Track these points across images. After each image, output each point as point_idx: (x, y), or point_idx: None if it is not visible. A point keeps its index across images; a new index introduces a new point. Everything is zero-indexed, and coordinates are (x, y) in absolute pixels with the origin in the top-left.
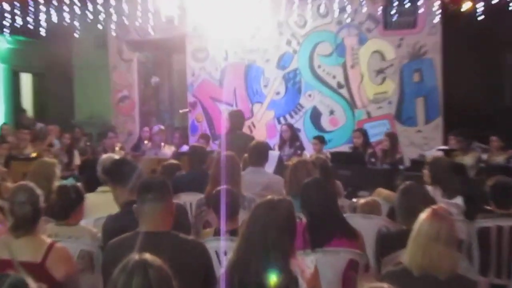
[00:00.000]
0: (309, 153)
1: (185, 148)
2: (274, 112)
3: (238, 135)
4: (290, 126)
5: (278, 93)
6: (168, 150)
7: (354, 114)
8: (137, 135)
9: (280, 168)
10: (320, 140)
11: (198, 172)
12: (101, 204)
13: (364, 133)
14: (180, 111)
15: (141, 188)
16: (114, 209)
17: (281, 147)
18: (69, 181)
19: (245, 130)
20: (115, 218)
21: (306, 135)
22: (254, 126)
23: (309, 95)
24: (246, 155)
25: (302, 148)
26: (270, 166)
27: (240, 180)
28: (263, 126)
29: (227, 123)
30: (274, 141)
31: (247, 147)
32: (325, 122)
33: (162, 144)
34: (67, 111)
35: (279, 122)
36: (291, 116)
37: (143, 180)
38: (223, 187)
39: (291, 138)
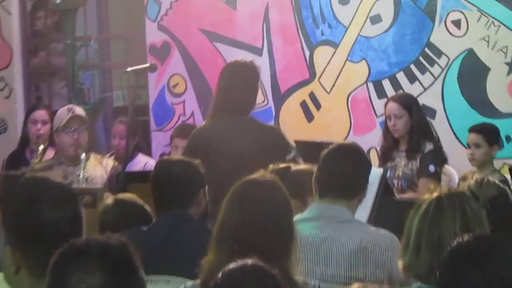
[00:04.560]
0: (456, 170)
1: (140, 160)
2: (367, 67)
3: (245, 124)
4: (408, 103)
5: (376, 20)
6: (99, 168)
7: None
8: (19, 128)
9: (387, 206)
10: (487, 137)
11: (180, 223)
12: None
13: None
14: (129, 69)
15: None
16: None
17: (387, 156)
18: None
19: (296, 114)
20: None
21: (451, 124)
22: (316, 102)
23: (456, 23)
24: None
25: (440, 157)
26: (363, 204)
27: (291, 242)
28: (339, 101)
29: (219, 95)
30: (369, 140)
31: (280, 153)
32: (496, 90)
33: (82, 153)
34: None
35: (381, 93)
36: (411, 78)
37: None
38: (245, 262)
39: (413, 133)
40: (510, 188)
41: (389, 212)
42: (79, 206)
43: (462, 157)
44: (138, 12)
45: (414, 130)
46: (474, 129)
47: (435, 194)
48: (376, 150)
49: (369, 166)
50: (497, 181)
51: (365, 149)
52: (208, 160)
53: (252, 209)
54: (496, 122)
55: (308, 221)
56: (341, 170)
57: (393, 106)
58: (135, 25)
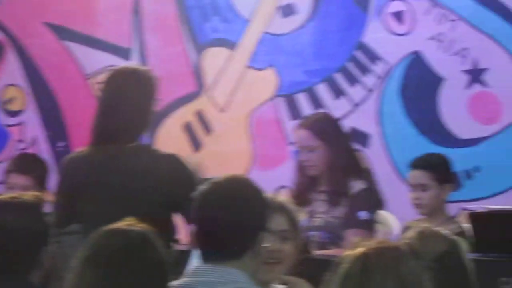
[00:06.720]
0: (398, 217)
1: None
2: (276, 76)
3: (133, 153)
4: (324, 129)
5: (289, 11)
6: None
7: None
8: None
9: (301, 266)
10: (436, 174)
11: None
12: None
13: None
14: None
15: None
16: None
17: (302, 199)
18: None
19: (177, 140)
20: None
21: (391, 155)
22: (205, 124)
23: (398, 16)
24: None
25: (374, 201)
26: None
27: None
28: (238, 123)
29: (99, 114)
30: (278, 176)
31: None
32: (452, 108)
33: None
34: None
35: (295, 112)
36: (337, 91)
37: None
38: None
39: (334, 170)
40: (468, 242)
41: (303, 274)
42: None
43: (405, 200)
44: None
45: (336, 165)
46: (418, 164)
47: (360, 250)
48: (291, 190)
49: (260, 206)
50: (445, 233)
51: (273, 188)
52: (83, 203)
53: (111, 272)
54: (453, 153)
55: None
56: (215, 220)
57: (302, 135)
58: None
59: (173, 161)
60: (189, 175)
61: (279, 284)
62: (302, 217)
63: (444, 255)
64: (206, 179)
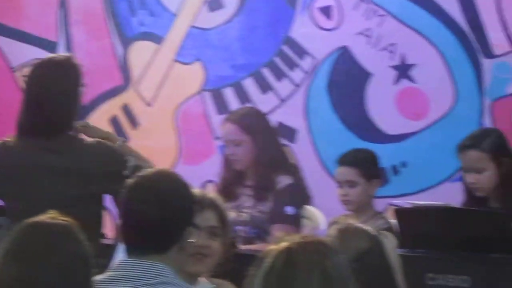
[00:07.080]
0: (325, 212)
1: None
2: (202, 71)
3: (64, 145)
4: (251, 124)
5: (216, 5)
6: None
7: (482, 78)
8: None
9: (226, 261)
10: (363, 170)
11: None
12: None
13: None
14: None
15: None
16: None
17: (227, 194)
18: None
19: (101, 126)
20: None
21: (318, 150)
22: (131, 118)
23: (325, 11)
24: None
25: (301, 195)
26: None
27: None
28: (164, 118)
29: (26, 108)
30: (204, 171)
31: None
32: (380, 103)
33: None
34: None
35: (221, 106)
36: (264, 86)
37: None
38: None
39: (260, 164)
40: (395, 238)
41: (228, 269)
42: None
43: (332, 195)
44: None
45: (262, 160)
46: (345, 160)
47: (284, 245)
48: (217, 185)
49: (187, 200)
50: (368, 230)
51: (200, 182)
52: (10, 196)
53: (32, 263)
54: (380, 148)
55: (115, 284)
56: (142, 213)
57: (229, 129)
58: None
59: (102, 148)
60: (120, 158)
61: (207, 284)
62: (231, 214)
63: (366, 252)
64: (137, 166)
